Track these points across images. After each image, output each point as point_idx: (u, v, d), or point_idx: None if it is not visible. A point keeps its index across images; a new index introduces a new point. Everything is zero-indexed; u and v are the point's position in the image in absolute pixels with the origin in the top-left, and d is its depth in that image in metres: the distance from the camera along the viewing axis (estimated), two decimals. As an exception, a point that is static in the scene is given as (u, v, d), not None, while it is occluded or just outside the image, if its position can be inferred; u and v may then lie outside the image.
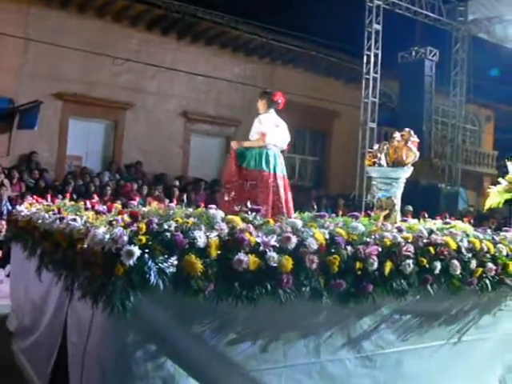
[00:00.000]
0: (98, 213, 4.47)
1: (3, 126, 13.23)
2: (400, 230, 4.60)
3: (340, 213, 5.89)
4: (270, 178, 5.80)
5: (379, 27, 16.00)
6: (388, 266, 4.17)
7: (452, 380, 4.71)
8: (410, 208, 10.78)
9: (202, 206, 5.72)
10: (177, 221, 3.61)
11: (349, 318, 4.15)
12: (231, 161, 5.94)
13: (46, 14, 13.73)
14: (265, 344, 3.80)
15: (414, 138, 6.26)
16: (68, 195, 8.69)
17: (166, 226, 3.48)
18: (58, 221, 4.45)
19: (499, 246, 4.91)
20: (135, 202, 5.25)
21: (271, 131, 5.94)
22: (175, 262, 3.37)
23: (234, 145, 6.07)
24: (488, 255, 4.80)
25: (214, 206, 4.90)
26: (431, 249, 4.50)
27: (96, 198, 8.91)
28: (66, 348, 3.96)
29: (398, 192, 6.08)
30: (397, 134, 6.29)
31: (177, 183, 14.26)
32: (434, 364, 4.59)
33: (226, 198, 5.79)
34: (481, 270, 4.73)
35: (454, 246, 4.65)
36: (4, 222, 9.36)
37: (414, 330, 4.48)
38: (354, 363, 4.20)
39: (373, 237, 4.28)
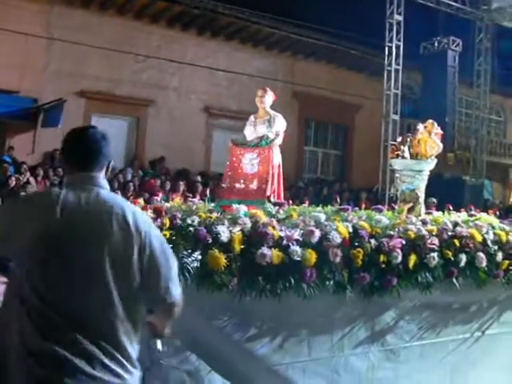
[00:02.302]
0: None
1: (28, 125, 13.38)
2: (424, 223, 4.57)
3: (363, 206, 5.83)
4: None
5: (400, 18, 15.82)
6: (412, 259, 4.16)
7: (477, 374, 4.67)
8: (434, 200, 10.69)
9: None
10: (200, 216, 3.63)
11: (373, 312, 4.15)
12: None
13: (68, 13, 13.84)
14: (288, 338, 3.81)
15: (438, 130, 6.21)
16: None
17: (189, 221, 3.51)
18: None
19: (526, 238, 4.85)
20: (158, 198, 5.28)
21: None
22: (199, 257, 3.39)
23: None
24: (514, 247, 4.75)
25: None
26: (456, 241, 4.48)
27: (119, 194, 8.98)
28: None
29: (421, 185, 6.02)
30: (420, 126, 6.24)
31: (199, 179, 14.30)
32: (459, 357, 4.56)
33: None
34: (507, 262, 4.69)
35: (479, 238, 4.62)
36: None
37: (438, 323, 4.45)
38: (377, 356, 4.20)
39: (397, 230, 4.26)
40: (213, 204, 5.27)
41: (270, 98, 5.91)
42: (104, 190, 2.33)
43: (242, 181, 5.52)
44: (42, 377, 2.06)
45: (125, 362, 2.19)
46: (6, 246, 2.26)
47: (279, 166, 5.69)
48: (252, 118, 5.98)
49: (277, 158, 5.65)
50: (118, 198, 2.37)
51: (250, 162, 5.56)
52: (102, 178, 2.37)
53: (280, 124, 5.83)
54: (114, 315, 2.16)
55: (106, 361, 2.13)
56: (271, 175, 5.43)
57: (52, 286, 2.12)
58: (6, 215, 2.33)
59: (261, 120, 5.84)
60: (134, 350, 2.25)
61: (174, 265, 2.36)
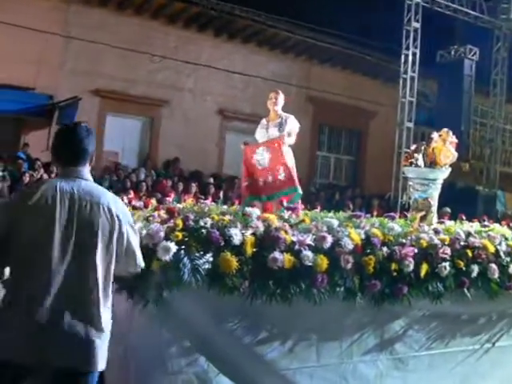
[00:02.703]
0: (134, 208, 4.51)
1: (43, 122, 13.46)
2: (437, 232, 4.54)
3: (375, 213, 5.81)
4: None
5: (418, 25, 15.76)
6: (424, 268, 4.14)
7: (486, 386, 4.64)
8: (448, 210, 10.63)
9: (237, 203, 5.77)
10: (213, 218, 3.63)
11: (382, 319, 4.13)
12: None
13: (85, 11, 13.92)
14: (297, 343, 3.80)
15: (453, 139, 6.16)
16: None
17: (202, 223, 3.51)
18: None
19: (539, 250, 4.80)
20: (170, 199, 5.30)
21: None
22: (210, 259, 3.39)
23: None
24: (527, 259, 4.70)
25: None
26: (468, 252, 4.45)
27: (132, 194, 9.02)
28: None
29: (434, 193, 5.98)
30: (435, 135, 6.21)
31: (211, 181, 14.31)
32: (468, 369, 4.53)
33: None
34: (520, 274, 4.65)
35: (492, 249, 4.58)
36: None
37: (448, 334, 4.43)
38: (386, 364, 4.18)
39: (409, 238, 4.24)
40: (236, 205, 5.38)
41: (281, 100, 5.93)
42: (88, 181, 2.80)
43: (268, 174, 5.63)
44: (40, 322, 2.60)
45: (97, 322, 2.71)
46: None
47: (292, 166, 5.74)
48: (264, 121, 5.99)
49: (288, 156, 5.69)
50: (102, 189, 2.86)
51: (261, 157, 5.68)
52: (86, 171, 2.82)
53: (292, 124, 5.84)
54: (96, 284, 2.69)
55: (83, 318, 2.67)
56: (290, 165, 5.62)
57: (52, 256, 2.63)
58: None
59: (273, 123, 5.85)
60: (106, 312, 2.77)
61: (138, 241, 2.98)
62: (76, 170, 2.77)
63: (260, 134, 5.95)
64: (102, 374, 3.41)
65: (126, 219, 2.84)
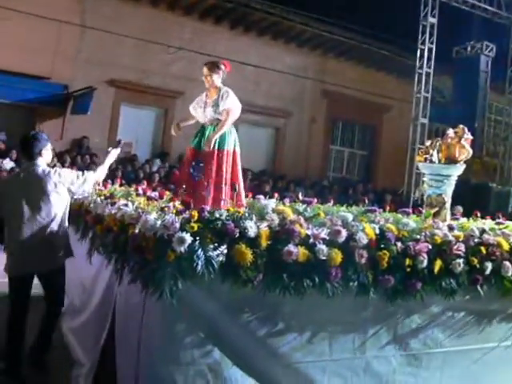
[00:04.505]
0: (149, 199, 4.53)
1: (58, 111, 13.54)
2: (451, 229, 4.53)
3: (387, 208, 5.79)
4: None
5: (434, 21, 15.65)
6: (438, 264, 4.12)
7: (500, 385, 4.61)
8: (460, 208, 10.58)
9: (250, 196, 5.77)
10: (228, 210, 3.64)
11: (396, 316, 4.11)
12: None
13: (102, 1, 13.94)
14: (310, 337, 3.80)
15: (468, 136, 6.13)
16: (118, 180, 8.82)
17: (217, 215, 3.51)
18: (109, 205, 4.54)
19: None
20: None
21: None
22: (225, 251, 3.40)
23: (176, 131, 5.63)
24: (542, 257, 4.66)
25: (261, 196, 4.93)
26: (482, 249, 4.42)
27: (145, 184, 9.04)
28: (113, 330, 4.05)
29: (448, 190, 5.96)
30: (450, 131, 6.17)
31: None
32: (482, 367, 4.49)
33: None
34: (533, 272, 4.61)
35: (506, 246, 4.55)
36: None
37: (462, 331, 4.40)
38: (399, 361, 4.16)
39: (423, 234, 4.22)
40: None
41: (220, 73, 5.40)
42: (40, 167, 4.50)
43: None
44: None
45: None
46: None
47: (234, 152, 5.42)
48: (204, 97, 5.51)
49: (229, 144, 5.34)
50: (48, 168, 4.55)
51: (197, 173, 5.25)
52: (39, 161, 4.52)
53: (228, 102, 5.33)
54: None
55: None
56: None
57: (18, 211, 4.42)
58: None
59: (210, 101, 5.40)
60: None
61: (74, 176, 4.65)
62: (32, 163, 4.51)
63: (198, 114, 5.51)
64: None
65: (65, 173, 4.61)
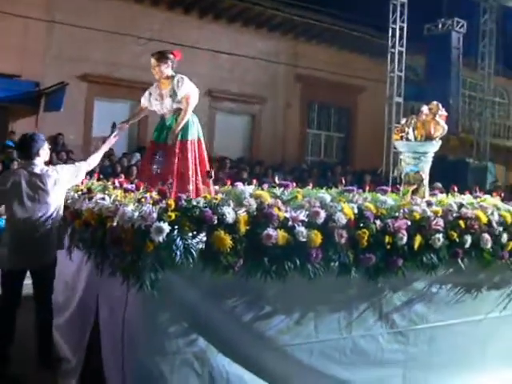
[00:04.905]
0: (126, 191, 4.49)
1: (31, 109, 13.34)
2: (429, 204, 4.56)
3: (367, 188, 5.80)
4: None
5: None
6: (417, 240, 4.15)
7: (488, 357, 4.65)
8: (439, 185, 10.66)
9: (229, 183, 5.75)
10: (205, 197, 3.62)
11: (381, 294, 4.14)
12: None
13: (68, -5, 13.75)
14: (296, 319, 3.81)
15: (442, 112, 6.14)
16: (96, 175, 8.71)
17: (194, 203, 3.49)
18: (87, 200, 4.50)
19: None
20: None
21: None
22: (204, 239, 3.38)
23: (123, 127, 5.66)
24: (519, 228, 4.72)
25: (239, 183, 4.89)
26: (461, 223, 4.46)
27: (123, 178, 8.96)
28: (98, 324, 4.02)
29: (426, 167, 5.98)
30: (425, 108, 6.19)
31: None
32: (468, 340, 4.53)
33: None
34: (512, 243, 4.67)
35: (484, 219, 4.60)
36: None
37: (447, 305, 4.44)
38: (386, 339, 4.19)
39: (402, 211, 4.24)
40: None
41: (168, 63, 5.30)
42: (39, 166, 4.61)
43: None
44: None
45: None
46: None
47: (199, 141, 5.29)
48: (156, 89, 5.46)
49: (192, 134, 5.22)
50: (46, 167, 4.68)
51: (157, 167, 5.17)
52: (36, 161, 4.64)
53: (185, 88, 5.25)
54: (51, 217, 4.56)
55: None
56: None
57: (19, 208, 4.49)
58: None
59: (166, 91, 5.33)
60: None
61: (73, 170, 4.85)
62: (30, 163, 4.63)
63: (156, 107, 5.44)
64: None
65: (63, 170, 4.75)
